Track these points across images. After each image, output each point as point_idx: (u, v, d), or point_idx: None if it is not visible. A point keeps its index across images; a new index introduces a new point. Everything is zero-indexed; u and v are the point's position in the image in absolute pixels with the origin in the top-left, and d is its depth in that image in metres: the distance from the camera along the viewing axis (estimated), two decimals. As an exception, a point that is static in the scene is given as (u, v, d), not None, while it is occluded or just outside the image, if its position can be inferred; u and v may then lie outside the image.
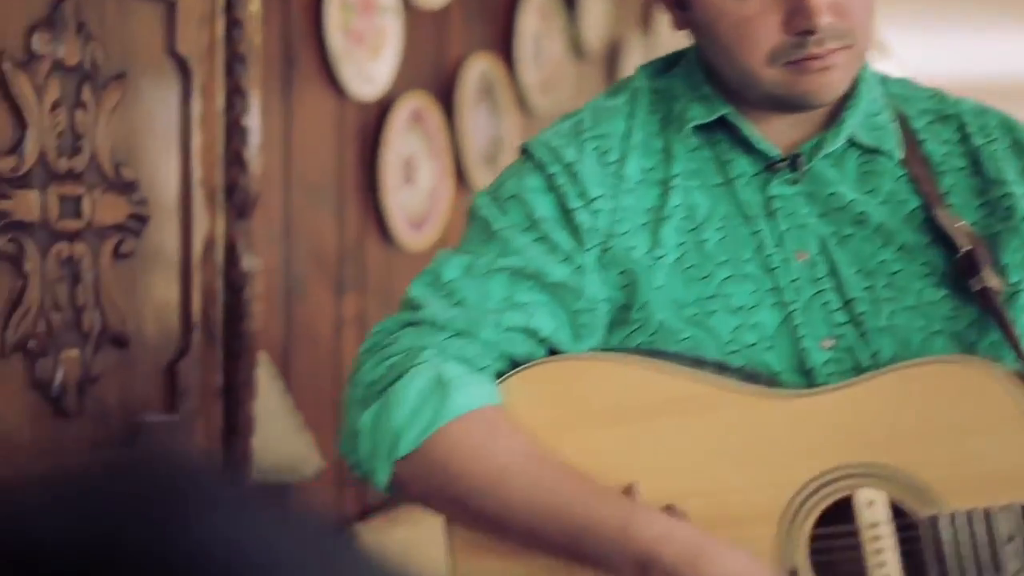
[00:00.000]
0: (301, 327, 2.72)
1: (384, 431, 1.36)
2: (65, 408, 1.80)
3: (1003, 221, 1.44)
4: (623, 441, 1.39)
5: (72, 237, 1.80)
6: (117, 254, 1.87)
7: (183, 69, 1.94)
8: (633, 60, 3.91)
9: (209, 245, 2.03)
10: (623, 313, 1.42)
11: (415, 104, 2.99)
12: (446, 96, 3.13)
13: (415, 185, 3.02)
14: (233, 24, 1.97)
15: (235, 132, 2.00)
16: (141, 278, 1.93)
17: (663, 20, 4.03)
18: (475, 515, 1.38)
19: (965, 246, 1.40)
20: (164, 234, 1.96)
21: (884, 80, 1.51)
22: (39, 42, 1.74)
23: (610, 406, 1.39)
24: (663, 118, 1.48)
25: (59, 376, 1.78)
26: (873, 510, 1.33)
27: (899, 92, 1.50)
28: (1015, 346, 1.38)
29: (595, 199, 1.44)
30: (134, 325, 1.92)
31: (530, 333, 1.41)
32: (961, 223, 1.42)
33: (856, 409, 1.36)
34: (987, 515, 1.32)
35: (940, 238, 1.42)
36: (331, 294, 2.83)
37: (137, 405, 1.93)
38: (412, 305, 1.43)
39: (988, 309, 1.40)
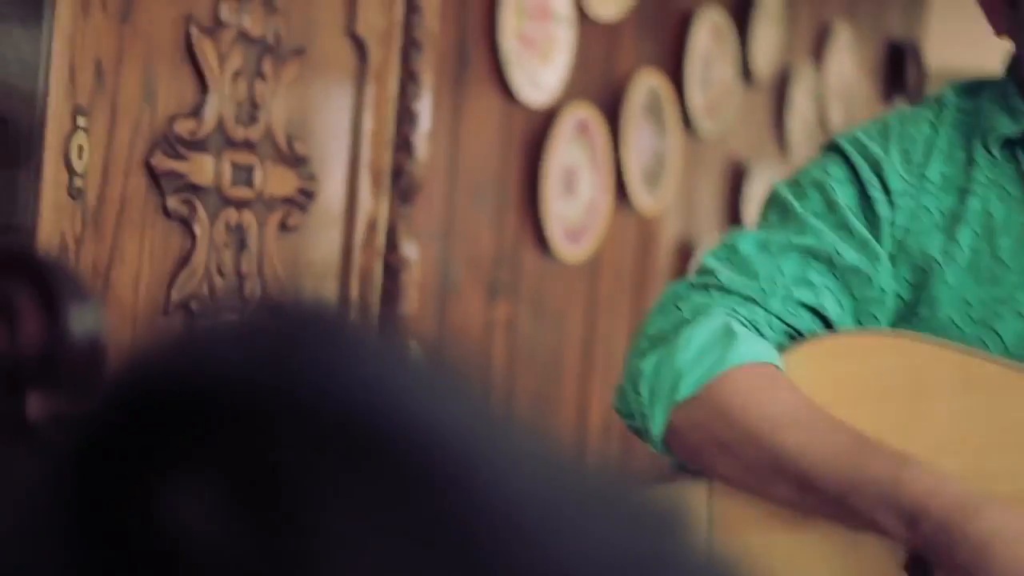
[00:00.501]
0: (451, 325, 2.75)
1: (667, 373, 1.40)
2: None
3: None
4: (900, 417, 1.42)
5: (241, 205, 1.85)
6: (283, 226, 1.92)
7: (360, 50, 1.99)
8: (802, 88, 3.90)
9: (371, 226, 2.07)
10: (910, 309, 1.46)
11: (581, 115, 3.01)
12: (612, 110, 3.15)
13: (575, 196, 3.04)
14: (412, 10, 2.01)
15: (405, 117, 2.04)
16: (304, 252, 1.98)
17: (834, 48, 4.01)
18: (747, 463, 1.41)
19: None
20: (329, 212, 2.01)
21: None
22: (226, 11, 1.80)
23: (893, 381, 1.42)
24: (967, 132, 1.53)
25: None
26: None
27: None
28: None
29: (895, 193, 1.48)
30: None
31: (816, 312, 1.46)
32: None
33: None
34: None
35: None
36: (483, 296, 2.86)
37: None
38: (704, 271, 1.49)
39: None
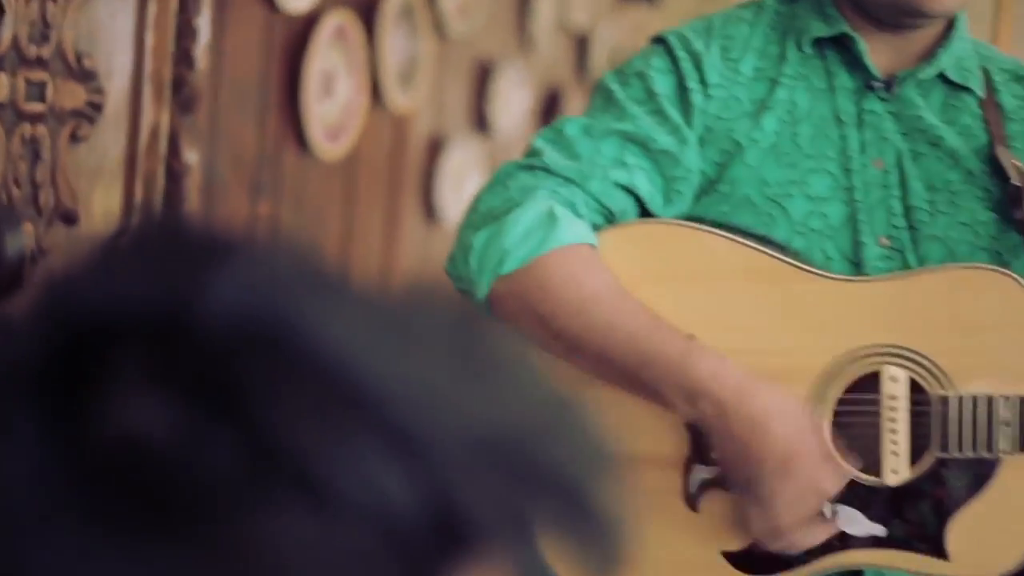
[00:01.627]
0: (218, 223, 2.87)
1: (494, 249, 1.56)
2: (20, 277, 1.96)
3: None
4: (692, 298, 1.62)
5: (35, 119, 1.96)
6: (73, 137, 2.04)
7: (143, -29, 2.11)
8: (543, -7, 4.09)
9: (154, 135, 2.19)
10: (712, 185, 1.65)
11: (339, 21, 3.15)
12: (368, 15, 3.29)
13: (333, 98, 3.19)
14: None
15: (186, 31, 2.16)
16: (92, 160, 2.10)
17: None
18: (557, 334, 1.59)
19: (1017, 181, 1.64)
20: (115, 122, 2.13)
21: (973, 40, 1.75)
22: (18, -61, 1.89)
23: (688, 267, 1.62)
24: (783, 31, 1.71)
25: (15, 246, 1.95)
26: (895, 385, 1.58)
27: (984, 51, 1.75)
28: None
29: (711, 86, 1.67)
30: (83, 205, 2.08)
31: (629, 191, 1.64)
32: (1018, 162, 1.66)
33: (897, 298, 1.60)
34: (990, 402, 1.55)
35: (998, 171, 1.66)
36: (247, 195, 2.99)
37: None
38: (534, 152, 1.66)
39: None
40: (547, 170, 1.63)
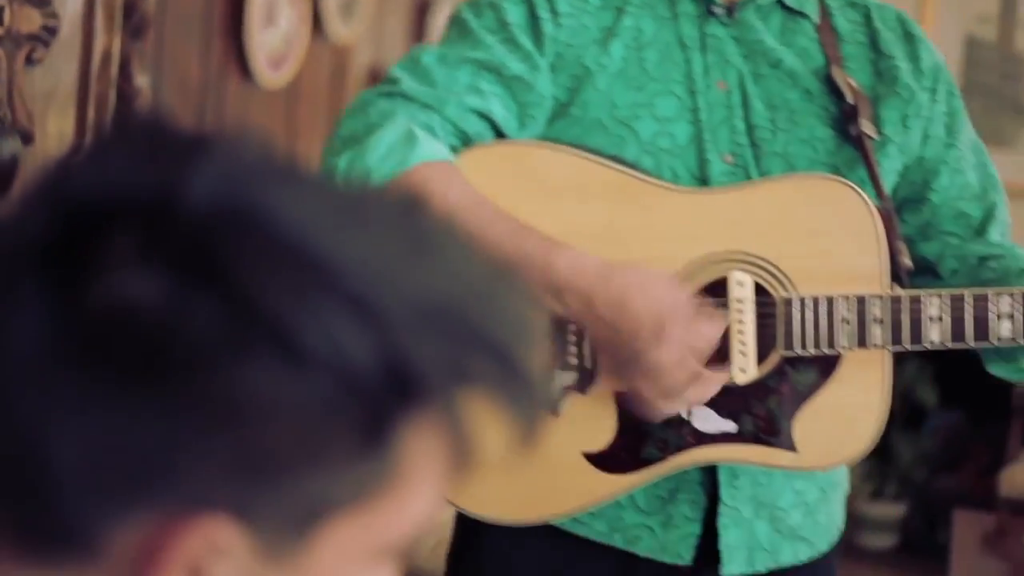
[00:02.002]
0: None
1: (358, 170, 1.64)
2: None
3: (887, 86, 1.80)
4: (551, 213, 1.71)
5: (-7, 42, 2.05)
6: (29, 60, 2.12)
7: (97, -101, 2.19)
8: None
9: (105, 59, 2.28)
10: (564, 109, 1.74)
11: (282, -49, 3.23)
12: (310, -53, 3.37)
13: (276, 27, 3.27)
14: None
15: (137, -40, 2.25)
16: (47, 83, 2.18)
17: None
18: None
19: (851, 99, 1.76)
20: (69, 46, 2.21)
21: None
22: None
23: (544, 184, 1.71)
24: None
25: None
26: (741, 289, 1.69)
27: None
28: (875, 182, 1.74)
29: (561, 15, 1.76)
30: (39, 124, 2.17)
31: (484, 116, 1.73)
32: (852, 82, 1.78)
33: (741, 207, 1.70)
34: (830, 302, 1.67)
35: (834, 90, 1.77)
36: (191, 122, 3.07)
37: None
38: (391, 80, 1.74)
39: (861, 151, 1.76)
40: (405, 96, 1.71)
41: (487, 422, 0.76)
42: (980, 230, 1.82)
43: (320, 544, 0.72)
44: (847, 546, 5.31)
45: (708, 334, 1.64)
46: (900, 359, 5.08)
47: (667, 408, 1.66)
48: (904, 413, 5.14)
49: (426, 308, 0.72)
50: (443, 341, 0.72)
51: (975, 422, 5.21)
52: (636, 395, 1.67)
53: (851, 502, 5.22)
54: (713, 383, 1.66)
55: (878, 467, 5.14)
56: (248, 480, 0.70)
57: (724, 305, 1.69)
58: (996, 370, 1.81)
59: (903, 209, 1.81)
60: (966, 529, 3.30)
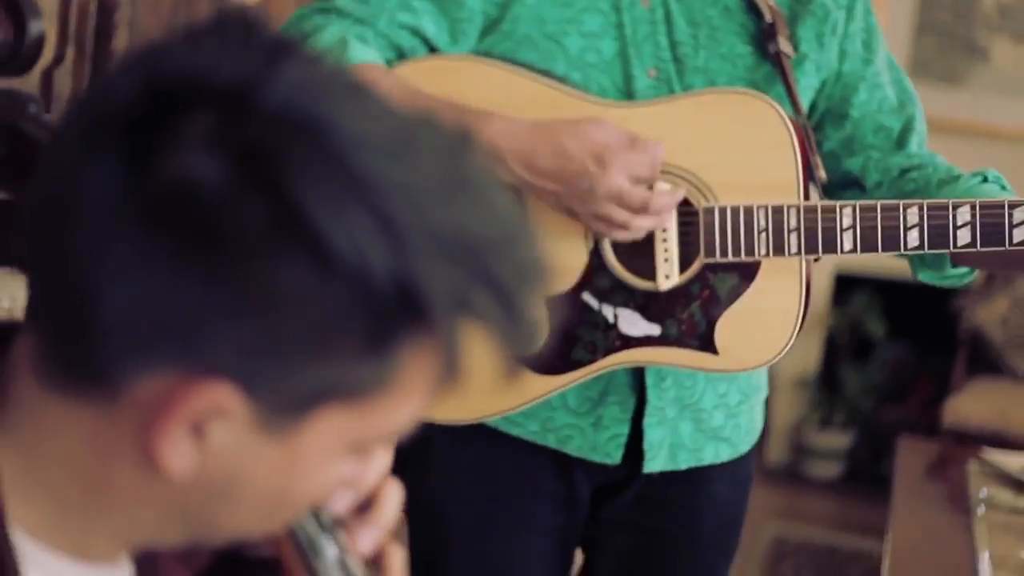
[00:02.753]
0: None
1: None
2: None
3: (803, 5, 1.87)
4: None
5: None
6: (14, -31, 2.17)
7: None
8: None
9: (87, -29, 2.33)
10: (495, 25, 1.80)
11: None
12: None
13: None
14: None
15: None
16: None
17: None
18: None
19: (769, 17, 1.83)
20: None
21: None
22: None
23: (477, 97, 1.77)
24: None
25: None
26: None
27: None
28: (792, 98, 1.82)
29: None
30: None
31: (416, 31, 1.79)
32: (771, 1, 1.84)
33: (665, 120, 1.77)
34: (749, 211, 1.75)
35: (753, 8, 1.84)
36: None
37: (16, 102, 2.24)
38: None
39: (779, 68, 1.83)
40: (339, 12, 1.77)
41: (478, 352, 0.86)
42: (900, 142, 1.89)
43: (309, 428, 0.83)
44: (794, 475, 5.44)
45: (648, 154, 1.71)
46: (849, 292, 5.20)
47: (638, 227, 1.72)
48: (853, 345, 5.26)
49: (448, 241, 0.81)
50: (456, 274, 0.82)
51: (922, 354, 5.33)
52: (602, 222, 1.72)
53: (799, 432, 5.35)
54: (668, 199, 1.72)
55: (826, 398, 5.27)
56: (262, 357, 0.79)
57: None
58: (924, 276, 1.89)
59: (826, 124, 1.89)
60: (910, 457, 3.40)
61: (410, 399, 0.85)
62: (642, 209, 1.71)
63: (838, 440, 5.29)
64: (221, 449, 0.82)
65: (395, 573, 0.99)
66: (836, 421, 5.27)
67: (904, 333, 5.29)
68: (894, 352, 5.36)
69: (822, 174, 1.82)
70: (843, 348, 5.26)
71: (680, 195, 1.74)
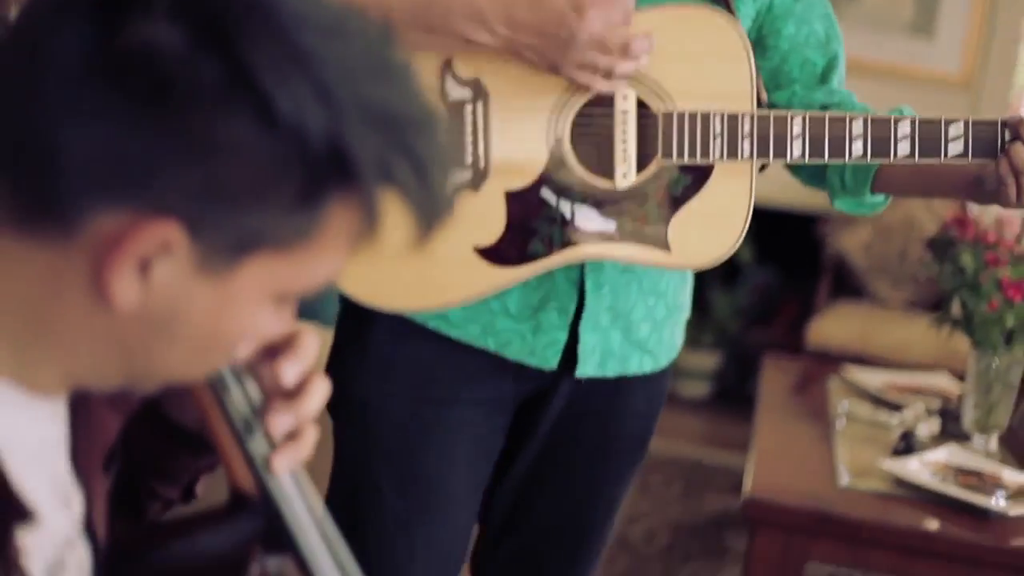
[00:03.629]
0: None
1: None
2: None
3: None
4: None
5: None
6: None
7: None
8: None
9: None
10: None
11: None
12: None
13: None
14: None
15: None
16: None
17: None
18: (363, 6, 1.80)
19: None
20: None
21: None
22: None
23: None
24: None
25: None
26: (626, 102, 1.84)
27: None
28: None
29: None
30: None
31: None
32: None
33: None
34: (705, 117, 1.84)
35: None
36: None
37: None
38: None
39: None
40: None
41: (393, 219, 0.97)
42: (823, 78, 1.99)
43: (242, 273, 0.94)
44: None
45: (621, 0, 1.78)
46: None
47: (621, 72, 1.79)
48: (721, 269, 5.40)
49: (376, 113, 0.92)
50: (381, 141, 0.94)
51: (788, 278, 5.50)
52: (579, 70, 1.79)
53: (669, 352, 5.48)
54: (646, 39, 1.78)
55: (696, 320, 5.42)
56: (206, 201, 0.90)
57: (610, 116, 1.85)
58: (840, 204, 2.00)
59: (755, 55, 1.96)
60: (774, 375, 3.55)
61: (330, 255, 0.96)
62: (623, 52, 1.77)
63: (706, 361, 5.44)
64: (163, 286, 0.92)
65: (316, 403, 1.09)
66: (705, 343, 5.42)
67: (771, 258, 5.45)
68: (762, 276, 5.52)
69: (763, 93, 1.93)
70: (712, 272, 5.41)
71: (652, 41, 1.80)
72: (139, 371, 0.98)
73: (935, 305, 3.72)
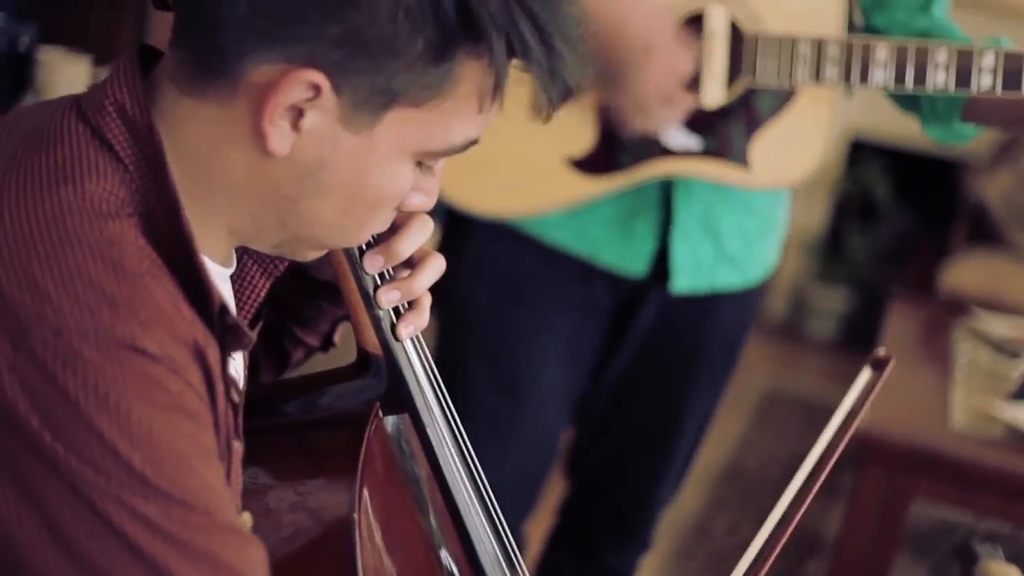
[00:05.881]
0: None
1: None
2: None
3: None
4: None
5: None
6: None
7: None
8: None
9: None
10: None
11: None
12: None
13: None
14: None
15: None
16: None
17: None
18: None
19: None
20: None
21: None
22: None
23: None
24: None
25: None
26: (716, 21, 1.89)
27: None
28: None
29: None
30: None
31: None
32: None
33: None
34: (793, 41, 1.88)
35: None
36: None
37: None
38: None
39: None
40: None
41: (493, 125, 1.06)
42: (925, 6, 1.98)
43: (383, 127, 1.03)
44: (792, 331, 5.58)
45: (685, 61, 1.86)
46: (862, 159, 5.30)
47: (641, 124, 1.89)
48: (860, 210, 5.37)
49: None
50: (508, 8, 1.01)
51: (926, 222, 5.44)
52: (616, 109, 1.88)
53: (800, 290, 5.49)
54: (683, 105, 1.88)
55: (829, 257, 5.40)
56: (349, 54, 0.98)
57: (700, 33, 1.90)
58: (931, 131, 1.99)
59: None
60: (901, 319, 3.54)
61: (463, 115, 1.05)
62: (651, 110, 1.86)
63: (837, 300, 5.41)
64: (312, 135, 1.02)
65: (428, 277, 1.19)
66: (837, 280, 5.40)
67: (910, 201, 5.40)
68: (900, 219, 5.46)
69: (858, 17, 1.95)
70: (850, 212, 5.39)
71: (691, 104, 1.85)
72: (293, 226, 1.07)
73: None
